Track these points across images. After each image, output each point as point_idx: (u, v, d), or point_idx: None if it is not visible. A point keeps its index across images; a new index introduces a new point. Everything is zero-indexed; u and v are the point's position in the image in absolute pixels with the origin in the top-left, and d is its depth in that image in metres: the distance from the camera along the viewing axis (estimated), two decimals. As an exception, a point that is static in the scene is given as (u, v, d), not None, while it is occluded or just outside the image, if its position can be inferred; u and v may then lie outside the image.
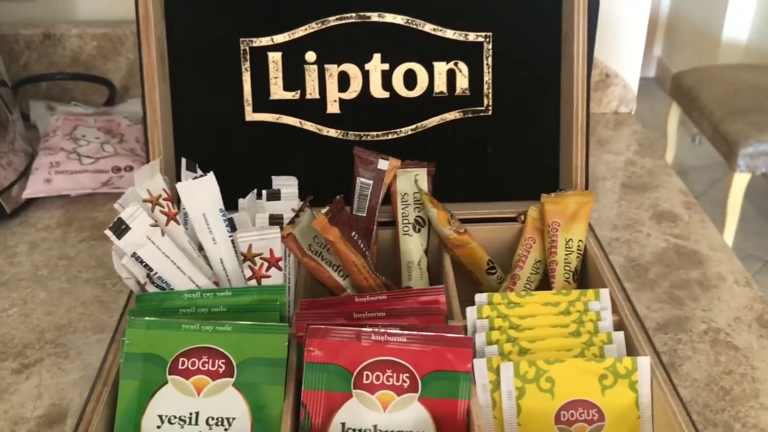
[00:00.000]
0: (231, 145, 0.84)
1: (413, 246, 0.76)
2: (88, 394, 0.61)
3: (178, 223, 0.68)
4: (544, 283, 0.76)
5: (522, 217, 0.80)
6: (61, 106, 1.18)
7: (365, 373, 0.59)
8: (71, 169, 1.04)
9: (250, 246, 0.65)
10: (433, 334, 0.60)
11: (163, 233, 0.65)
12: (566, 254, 0.74)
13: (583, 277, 0.76)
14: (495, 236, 0.80)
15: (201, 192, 0.68)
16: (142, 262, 0.64)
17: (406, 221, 0.77)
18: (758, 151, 2.12)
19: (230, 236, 0.69)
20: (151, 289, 0.66)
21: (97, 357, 0.78)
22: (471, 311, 0.66)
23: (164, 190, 0.68)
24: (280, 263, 0.66)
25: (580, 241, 0.75)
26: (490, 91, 0.83)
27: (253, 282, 0.66)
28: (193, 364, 0.60)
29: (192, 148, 0.82)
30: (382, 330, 0.60)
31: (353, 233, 0.69)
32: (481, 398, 0.60)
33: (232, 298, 0.66)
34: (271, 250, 0.65)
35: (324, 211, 0.67)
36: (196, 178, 0.69)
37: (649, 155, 1.17)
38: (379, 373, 0.59)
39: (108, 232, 0.64)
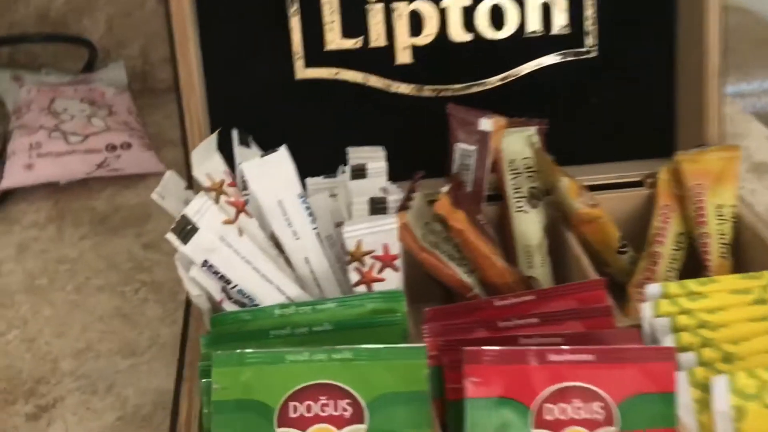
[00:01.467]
0: (280, 111, 0.67)
1: (531, 225, 0.61)
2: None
3: (250, 216, 0.51)
4: (690, 261, 0.62)
5: (650, 181, 0.66)
6: (30, 75, 0.98)
7: (546, 406, 0.44)
8: (56, 151, 0.85)
9: (360, 242, 0.49)
10: (627, 347, 0.46)
11: (240, 232, 0.48)
12: (719, 224, 0.61)
13: (738, 250, 0.62)
14: (619, 206, 0.66)
15: (274, 173, 0.52)
16: (216, 272, 0.48)
17: (518, 194, 0.62)
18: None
19: (314, 228, 0.53)
20: (228, 307, 0.50)
21: (135, 389, 0.62)
22: (646, 308, 0.51)
23: (226, 173, 0.51)
24: (396, 263, 0.50)
25: (733, 206, 0.62)
26: (595, 28, 0.68)
27: (362, 288, 0.50)
28: (309, 409, 0.45)
29: (231, 118, 0.64)
30: (563, 347, 0.45)
31: (479, 216, 0.54)
32: (686, 422, 0.47)
33: (336, 310, 0.50)
34: (385, 247, 0.50)
35: (445, 190, 0.52)
36: (264, 155, 0.53)
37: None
38: (564, 405, 0.44)
39: (171, 236, 0.47)
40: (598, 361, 0.45)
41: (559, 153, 0.66)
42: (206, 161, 0.51)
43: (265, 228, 0.53)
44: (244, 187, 0.57)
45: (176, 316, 0.67)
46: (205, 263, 0.47)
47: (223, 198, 0.50)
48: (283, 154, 0.53)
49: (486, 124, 0.62)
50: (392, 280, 0.51)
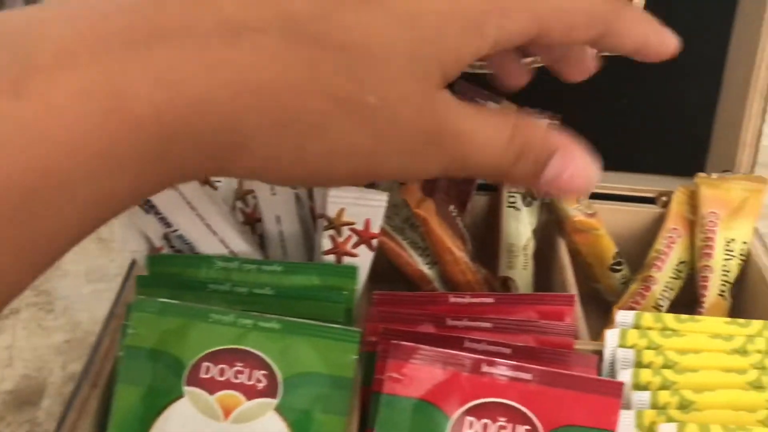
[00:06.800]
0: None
1: (520, 224, 0.57)
2: (69, 398, 0.43)
3: (214, 188, 0.49)
4: (686, 291, 0.57)
5: (664, 200, 0.61)
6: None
7: (467, 419, 0.41)
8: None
9: (342, 211, 0.46)
10: (571, 373, 0.42)
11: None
12: (726, 260, 0.55)
13: (739, 291, 0.57)
14: (623, 220, 0.61)
15: None
16: (158, 213, 0.46)
17: (513, 189, 0.58)
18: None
19: (294, 189, 0.51)
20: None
21: (90, 315, 0.61)
22: (611, 336, 0.47)
23: None
24: (374, 242, 0.47)
25: (744, 243, 0.56)
26: (638, 25, 0.62)
27: (332, 258, 0.47)
28: (222, 373, 0.42)
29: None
30: (504, 360, 0.41)
31: (451, 207, 0.50)
32: (623, 466, 0.43)
33: (283, 275, 0.47)
34: (367, 222, 0.46)
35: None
36: None
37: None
38: (487, 421, 0.41)
39: None
40: (536, 381, 0.41)
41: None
42: None
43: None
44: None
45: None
46: (147, 203, 0.45)
47: None
48: None
49: (492, 108, 0.57)
50: (365, 258, 0.48)
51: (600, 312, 0.58)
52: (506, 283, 0.57)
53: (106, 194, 0.28)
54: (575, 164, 0.36)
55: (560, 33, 0.35)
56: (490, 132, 0.35)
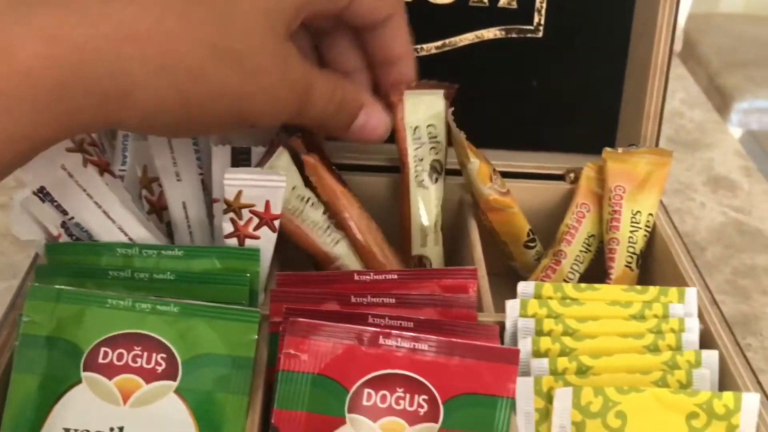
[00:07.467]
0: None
1: (430, 201, 0.58)
2: (-37, 389, 0.42)
3: (114, 176, 0.48)
4: (596, 264, 0.59)
5: (572, 176, 0.62)
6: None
7: (366, 391, 0.41)
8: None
9: (240, 193, 0.46)
10: (467, 342, 0.42)
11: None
12: (631, 231, 0.57)
13: (647, 262, 0.59)
14: (534, 198, 0.62)
15: None
16: (53, 201, 0.45)
17: (419, 167, 0.58)
18: (753, 108, 1.97)
19: (200, 174, 0.51)
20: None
21: (1, 313, 0.60)
22: (512, 306, 0.48)
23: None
24: (276, 223, 0.47)
25: (650, 215, 0.58)
26: (544, 5, 0.64)
27: (234, 242, 0.47)
28: (120, 357, 0.42)
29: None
30: (400, 333, 0.42)
31: (334, 168, 0.51)
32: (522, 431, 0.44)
33: (183, 260, 0.47)
34: (267, 203, 0.46)
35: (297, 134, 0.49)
36: None
37: (699, 106, 0.98)
38: (386, 392, 0.41)
39: None
40: (432, 352, 0.42)
41: (485, 134, 0.63)
42: None
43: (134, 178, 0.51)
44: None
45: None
46: (41, 190, 0.45)
47: (87, 158, 0.47)
48: None
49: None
50: (268, 239, 0.48)
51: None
52: (421, 262, 0.57)
53: (2, 139, 0.32)
54: (377, 117, 0.46)
55: (366, 5, 0.43)
56: (323, 84, 0.41)
